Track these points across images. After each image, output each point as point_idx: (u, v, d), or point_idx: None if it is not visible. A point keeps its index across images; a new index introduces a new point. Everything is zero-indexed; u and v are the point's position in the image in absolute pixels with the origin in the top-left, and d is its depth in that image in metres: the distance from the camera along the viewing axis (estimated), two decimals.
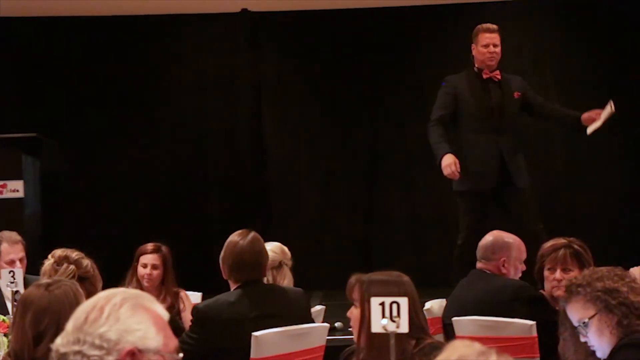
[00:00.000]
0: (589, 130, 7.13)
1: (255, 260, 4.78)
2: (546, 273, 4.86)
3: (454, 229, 9.48)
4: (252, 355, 4.57)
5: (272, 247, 5.33)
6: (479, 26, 7.35)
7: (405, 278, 3.62)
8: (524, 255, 5.24)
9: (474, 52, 7.33)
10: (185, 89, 10.06)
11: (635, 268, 5.90)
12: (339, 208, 9.97)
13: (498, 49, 7.25)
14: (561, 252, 4.81)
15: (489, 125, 7.19)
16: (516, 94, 7.30)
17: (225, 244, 4.82)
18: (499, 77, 7.30)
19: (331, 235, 9.88)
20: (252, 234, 4.83)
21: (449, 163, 6.96)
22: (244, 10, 9.94)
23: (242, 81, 10.11)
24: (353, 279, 3.62)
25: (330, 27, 9.96)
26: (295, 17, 9.99)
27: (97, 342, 2.15)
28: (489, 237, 5.34)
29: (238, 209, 9.75)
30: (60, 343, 2.19)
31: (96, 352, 2.14)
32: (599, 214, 9.65)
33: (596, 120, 7.08)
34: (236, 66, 10.13)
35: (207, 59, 10.10)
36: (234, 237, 4.82)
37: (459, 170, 6.95)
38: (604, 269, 3.51)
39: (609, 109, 7.04)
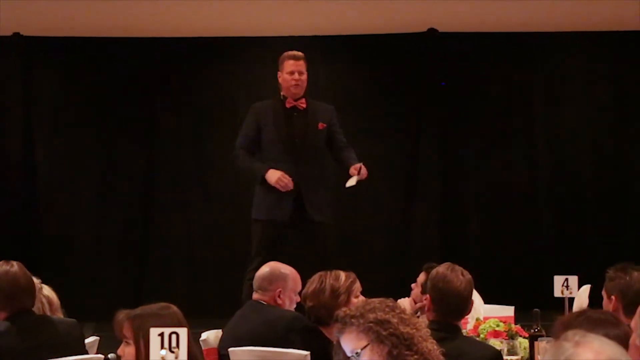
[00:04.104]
0: (347, 184, 7.19)
1: (30, 287, 4.68)
2: None
3: (231, 257, 9.54)
4: None
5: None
6: (285, 53, 7.31)
7: (174, 308, 3.61)
8: (299, 287, 5.32)
9: (280, 80, 7.28)
10: None
11: (404, 299, 6.17)
12: (113, 237, 9.82)
13: (304, 77, 7.21)
14: None
15: (288, 155, 7.16)
16: (320, 125, 7.27)
17: None
18: (304, 105, 7.27)
19: (104, 265, 9.71)
20: (17, 262, 4.70)
21: (278, 177, 6.99)
22: (16, 34, 9.67)
23: (13, 106, 9.80)
24: (121, 315, 3.56)
25: (107, 54, 9.84)
26: (71, 42, 9.79)
27: None
28: (265, 268, 5.43)
29: (7, 237, 9.42)
30: None
31: None
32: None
33: (352, 176, 7.15)
34: (7, 91, 9.81)
35: None
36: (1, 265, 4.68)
37: (289, 178, 7.00)
38: (376, 300, 3.65)
39: (358, 176, 7.12)
